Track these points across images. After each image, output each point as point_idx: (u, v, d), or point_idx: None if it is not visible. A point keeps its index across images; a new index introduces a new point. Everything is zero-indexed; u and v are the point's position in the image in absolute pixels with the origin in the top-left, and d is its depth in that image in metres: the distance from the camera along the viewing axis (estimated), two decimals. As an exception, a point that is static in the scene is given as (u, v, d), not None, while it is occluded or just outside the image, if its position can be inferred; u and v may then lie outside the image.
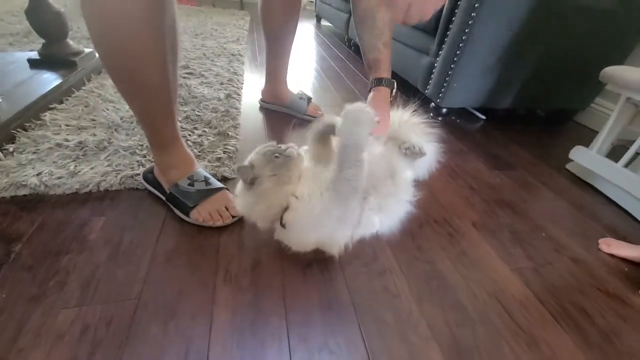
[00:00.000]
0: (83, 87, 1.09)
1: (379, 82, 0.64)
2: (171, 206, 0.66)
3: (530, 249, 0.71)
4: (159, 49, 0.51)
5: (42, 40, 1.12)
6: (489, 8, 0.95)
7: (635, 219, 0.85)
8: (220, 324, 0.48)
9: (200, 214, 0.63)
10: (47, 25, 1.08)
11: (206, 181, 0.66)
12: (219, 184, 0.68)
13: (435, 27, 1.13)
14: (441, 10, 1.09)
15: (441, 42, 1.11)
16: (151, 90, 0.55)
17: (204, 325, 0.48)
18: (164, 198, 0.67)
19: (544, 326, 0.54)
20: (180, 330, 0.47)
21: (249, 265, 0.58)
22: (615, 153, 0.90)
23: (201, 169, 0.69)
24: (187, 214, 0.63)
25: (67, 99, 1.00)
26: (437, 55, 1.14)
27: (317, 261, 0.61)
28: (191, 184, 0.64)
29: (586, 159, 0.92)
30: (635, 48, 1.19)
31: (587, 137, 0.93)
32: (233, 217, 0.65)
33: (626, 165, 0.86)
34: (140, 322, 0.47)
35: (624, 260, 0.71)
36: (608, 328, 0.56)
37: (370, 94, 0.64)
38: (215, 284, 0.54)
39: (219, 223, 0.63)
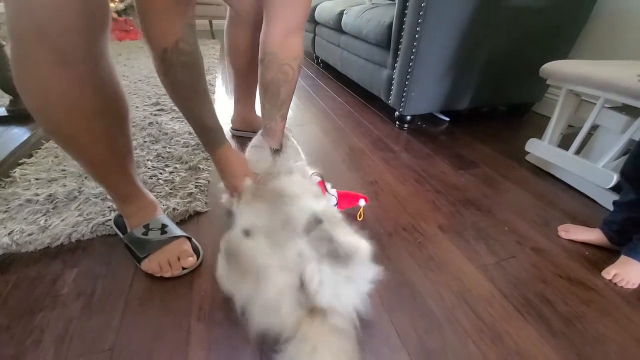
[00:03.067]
0: (53, 138, 1.10)
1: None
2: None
3: (494, 244, 0.74)
4: (94, 127, 0.52)
5: (9, 97, 1.14)
6: (431, 22, 1.02)
7: (594, 201, 0.89)
8: (195, 363, 0.50)
9: (151, 265, 0.63)
10: (11, 84, 1.10)
11: (162, 229, 0.66)
12: (177, 232, 0.67)
13: (389, 42, 1.20)
14: (390, 25, 1.16)
15: (395, 56, 1.17)
16: (94, 161, 0.57)
17: (178, 366, 0.49)
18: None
19: (508, 320, 0.57)
20: (155, 375, 0.48)
21: (222, 298, 0.59)
22: (566, 141, 0.95)
23: (161, 216, 0.69)
24: (140, 263, 0.64)
25: (36, 152, 1.01)
26: (393, 68, 1.20)
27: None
28: (145, 233, 0.65)
29: (540, 149, 0.98)
30: (576, 41, 1.28)
31: (545, 126, 0.98)
32: (183, 268, 0.63)
33: (577, 152, 0.91)
34: (115, 372, 0.48)
35: (584, 244, 0.75)
36: (571, 314, 0.59)
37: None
38: (190, 323, 0.55)
39: (167, 274, 0.62)
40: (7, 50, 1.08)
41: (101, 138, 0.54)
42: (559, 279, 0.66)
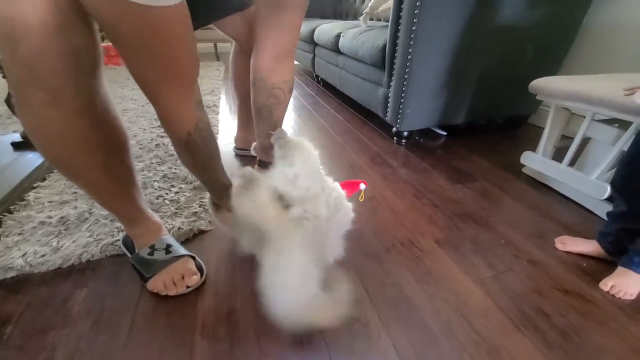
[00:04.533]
0: (65, 162, 1.16)
1: (264, 166, 0.74)
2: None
3: (491, 257, 0.75)
4: (93, 159, 0.55)
5: (25, 123, 1.21)
6: (422, 43, 1.07)
7: (591, 212, 0.90)
8: (198, 379, 0.51)
9: (156, 284, 0.65)
10: (28, 110, 1.17)
11: (167, 249, 0.69)
12: (181, 251, 0.70)
13: (383, 62, 1.25)
14: (384, 47, 1.21)
15: (390, 75, 1.22)
16: (96, 190, 0.61)
17: (182, 382, 0.51)
18: None
19: (504, 333, 0.58)
20: (159, 391, 0.50)
21: (224, 315, 0.62)
22: (561, 153, 0.97)
23: (166, 236, 0.72)
24: (146, 283, 0.66)
25: (49, 176, 1.06)
26: (389, 86, 1.25)
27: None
28: (151, 253, 0.68)
29: (534, 162, 1.00)
30: (567, 56, 1.32)
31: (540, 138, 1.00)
32: (188, 287, 0.66)
33: (572, 164, 0.93)
34: (121, 389, 0.50)
35: (581, 255, 0.76)
36: (568, 326, 0.60)
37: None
38: (194, 340, 0.57)
39: (172, 293, 0.65)
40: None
41: (101, 169, 0.57)
42: (555, 291, 0.67)
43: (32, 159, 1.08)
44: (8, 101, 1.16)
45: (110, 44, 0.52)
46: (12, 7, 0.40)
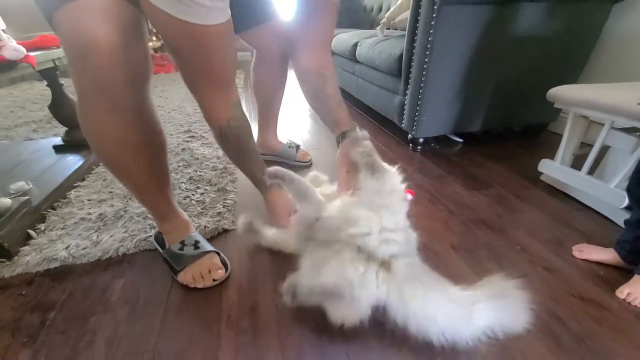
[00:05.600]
0: (101, 164, 1.25)
1: (343, 136, 0.74)
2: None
3: (506, 262, 0.76)
4: (139, 158, 0.63)
5: (65, 127, 1.32)
6: (438, 53, 1.10)
7: (610, 220, 0.90)
8: (224, 365, 0.56)
9: (185, 277, 0.70)
10: (68, 116, 1.27)
11: (195, 245, 0.74)
12: (208, 247, 0.75)
13: (400, 71, 1.28)
14: (400, 57, 1.25)
15: (406, 83, 1.25)
16: (139, 186, 0.68)
17: (210, 366, 0.55)
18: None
19: (518, 337, 0.59)
20: (190, 374, 0.54)
21: (248, 308, 0.66)
22: (580, 161, 0.96)
23: (194, 233, 0.78)
24: (176, 275, 0.72)
25: (88, 176, 1.15)
26: (405, 94, 1.28)
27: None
28: (181, 248, 0.73)
29: (552, 170, 1.00)
30: (586, 64, 1.31)
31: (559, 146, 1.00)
32: (214, 280, 0.71)
33: (591, 172, 0.92)
34: (156, 370, 0.55)
35: (599, 263, 0.76)
36: (582, 332, 0.60)
37: (339, 151, 0.73)
38: (220, 330, 0.62)
39: (200, 285, 0.70)
40: (65, 89, 1.26)
41: (145, 167, 0.65)
42: (571, 297, 0.68)
43: (73, 161, 1.18)
44: (51, 108, 1.27)
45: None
46: (86, 28, 0.47)
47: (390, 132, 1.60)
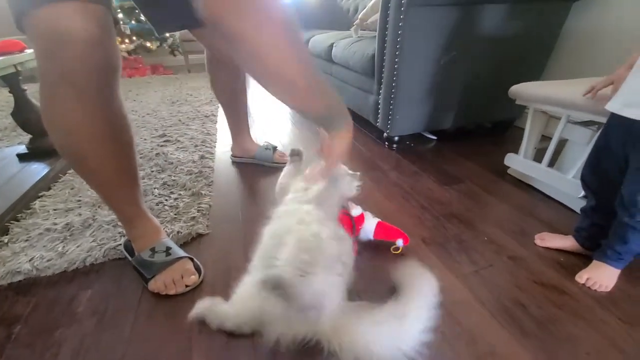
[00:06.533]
0: (69, 171, 1.20)
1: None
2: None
3: (474, 254, 0.79)
4: (104, 149, 0.62)
5: (29, 135, 1.26)
6: (408, 52, 1.13)
7: (570, 209, 0.95)
8: (196, 370, 0.55)
9: (157, 284, 0.69)
10: (32, 123, 1.22)
11: (167, 251, 0.73)
12: (180, 253, 0.74)
13: (373, 71, 1.31)
14: (373, 57, 1.27)
15: (379, 83, 1.28)
16: (103, 181, 0.66)
17: (181, 373, 0.54)
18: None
19: (483, 324, 0.62)
20: (160, 381, 0.53)
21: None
22: (542, 154, 1.01)
23: (166, 239, 0.76)
24: (147, 283, 0.70)
25: (54, 185, 1.11)
26: (379, 93, 1.30)
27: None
28: (152, 255, 0.72)
29: (517, 164, 1.05)
30: (548, 62, 1.38)
31: (525, 141, 1.05)
32: (187, 286, 0.70)
33: (551, 164, 0.97)
34: (124, 380, 0.54)
35: (559, 250, 0.80)
36: (544, 317, 0.64)
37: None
38: (192, 335, 0.61)
39: (172, 292, 0.68)
40: (28, 96, 1.21)
41: (110, 161, 0.64)
42: (533, 284, 0.71)
43: (37, 169, 1.13)
44: (14, 115, 1.21)
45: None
46: (62, 20, 0.49)
47: (367, 131, 1.63)
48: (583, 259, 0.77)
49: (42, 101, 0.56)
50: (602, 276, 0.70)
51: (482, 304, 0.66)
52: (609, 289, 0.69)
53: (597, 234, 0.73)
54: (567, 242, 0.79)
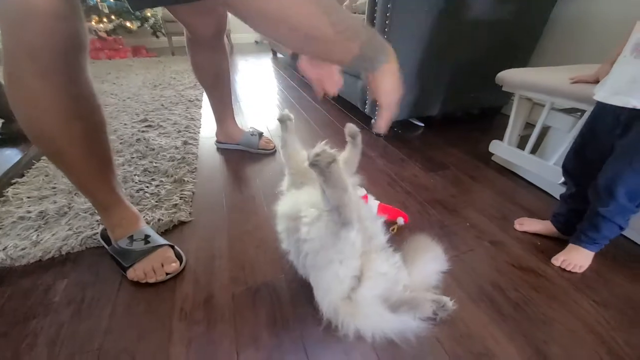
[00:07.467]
0: (42, 158, 1.15)
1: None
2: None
3: (456, 239, 0.81)
4: (72, 129, 0.58)
5: (1, 120, 1.20)
6: (395, 36, 1.11)
7: (549, 195, 0.97)
8: (175, 359, 0.55)
9: (136, 273, 0.68)
10: (2, 107, 1.15)
11: (146, 239, 0.71)
12: (160, 241, 0.72)
13: (360, 55, 1.28)
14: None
15: (367, 67, 1.25)
16: (74, 166, 0.62)
17: (161, 361, 0.54)
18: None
19: (462, 307, 0.63)
20: (139, 369, 0.53)
21: (202, 300, 0.65)
22: (526, 141, 1.02)
23: (144, 227, 0.74)
24: (125, 272, 0.69)
25: (27, 172, 1.06)
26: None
27: (266, 285, 0.68)
28: (129, 244, 0.70)
29: (501, 150, 1.05)
30: (535, 49, 1.37)
31: (508, 128, 1.05)
32: (167, 274, 0.68)
33: (534, 151, 0.98)
34: (102, 369, 0.53)
35: (537, 235, 0.82)
36: (520, 299, 0.65)
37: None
38: (172, 323, 0.60)
39: (152, 280, 0.67)
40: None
41: (79, 142, 0.60)
42: (511, 267, 0.73)
43: (10, 156, 1.08)
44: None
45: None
46: None
47: (356, 117, 1.61)
48: (559, 242, 0.79)
49: (6, 80, 0.53)
50: (576, 258, 0.72)
51: (462, 288, 0.67)
52: (583, 269, 0.71)
53: (574, 219, 0.75)
54: (544, 227, 0.81)
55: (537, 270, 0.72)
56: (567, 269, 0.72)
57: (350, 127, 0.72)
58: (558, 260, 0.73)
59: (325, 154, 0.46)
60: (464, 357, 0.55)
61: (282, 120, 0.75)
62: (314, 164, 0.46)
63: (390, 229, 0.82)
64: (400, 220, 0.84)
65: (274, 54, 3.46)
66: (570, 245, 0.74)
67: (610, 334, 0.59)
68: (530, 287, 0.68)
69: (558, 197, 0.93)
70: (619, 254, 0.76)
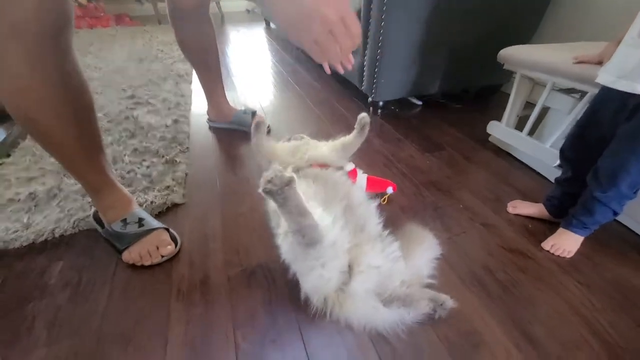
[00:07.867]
0: (28, 137, 1.11)
1: None
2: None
3: (449, 221, 0.81)
4: (61, 113, 0.56)
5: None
6: (396, 8, 1.04)
7: (544, 177, 0.97)
8: (174, 339, 0.56)
9: (131, 255, 0.68)
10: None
11: (140, 222, 0.71)
12: (154, 224, 0.72)
13: (358, 28, 1.21)
14: (358, 14, 1.17)
15: (365, 44, 1.20)
16: (63, 148, 0.60)
17: (159, 342, 0.56)
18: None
19: (451, 287, 0.65)
20: (139, 350, 0.54)
21: (198, 281, 0.66)
22: (524, 123, 1.01)
23: (137, 209, 0.74)
24: (120, 254, 0.69)
25: (14, 152, 1.03)
26: (364, 55, 1.23)
27: (261, 267, 0.69)
28: (123, 227, 0.69)
29: (499, 131, 1.04)
30: (540, 25, 1.31)
31: (507, 108, 1.03)
32: (162, 256, 0.69)
33: (531, 133, 0.97)
34: (102, 351, 0.54)
35: (529, 218, 0.83)
36: (508, 281, 0.67)
37: None
38: (169, 304, 0.62)
39: (147, 263, 0.68)
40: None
41: (67, 123, 0.58)
42: (502, 250, 0.74)
43: (-7, 135, 1.04)
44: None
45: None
46: None
47: (352, 95, 1.56)
48: (550, 225, 0.80)
49: None
50: (566, 242, 0.73)
51: (453, 269, 0.69)
52: (571, 255, 0.73)
53: (567, 203, 0.75)
54: (536, 210, 0.82)
55: (527, 253, 0.74)
56: (556, 253, 0.73)
57: (363, 117, 0.74)
58: (548, 244, 0.74)
59: (278, 179, 0.43)
60: (453, 338, 0.57)
61: (257, 126, 0.75)
62: (266, 191, 0.43)
63: (382, 199, 0.85)
64: (390, 190, 0.86)
65: (267, 23, 3.29)
66: (561, 229, 0.75)
67: (594, 315, 0.61)
68: (519, 269, 0.70)
69: (552, 180, 0.94)
70: (613, 239, 0.77)
